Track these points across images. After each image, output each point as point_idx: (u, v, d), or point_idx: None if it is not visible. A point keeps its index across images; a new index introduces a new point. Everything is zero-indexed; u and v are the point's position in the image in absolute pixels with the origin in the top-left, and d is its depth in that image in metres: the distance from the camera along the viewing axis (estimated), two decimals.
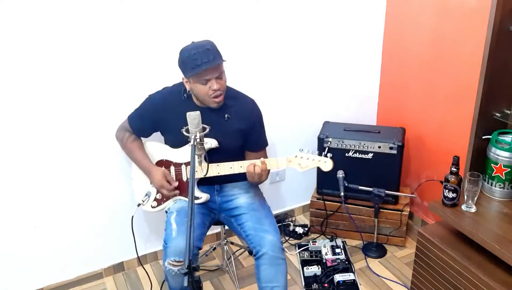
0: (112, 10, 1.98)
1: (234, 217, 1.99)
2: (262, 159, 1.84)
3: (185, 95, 1.93)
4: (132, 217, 1.97)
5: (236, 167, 1.88)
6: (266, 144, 2.08)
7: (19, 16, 1.83)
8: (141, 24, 2.06)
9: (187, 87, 1.87)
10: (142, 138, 2.08)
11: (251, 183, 1.97)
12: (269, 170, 1.89)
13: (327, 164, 1.80)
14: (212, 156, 1.88)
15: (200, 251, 2.55)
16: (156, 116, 1.96)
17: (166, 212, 2.01)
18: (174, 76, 1.94)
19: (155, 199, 2.03)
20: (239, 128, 1.95)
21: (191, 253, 1.33)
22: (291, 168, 1.85)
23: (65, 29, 1.93)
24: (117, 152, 2.21)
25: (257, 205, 1.98)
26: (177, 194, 1.98)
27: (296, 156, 1.83)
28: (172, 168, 1.98)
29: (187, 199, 1.99)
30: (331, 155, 1.80)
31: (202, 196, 1.96)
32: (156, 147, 2.04)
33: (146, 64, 2.13)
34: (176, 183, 1.96)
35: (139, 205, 2.02)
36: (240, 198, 2.01)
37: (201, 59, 1.74)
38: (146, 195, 2.03)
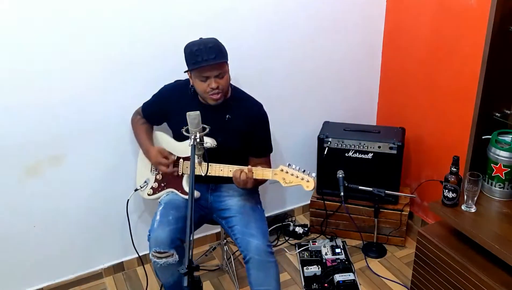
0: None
1: (225, 219, 1.99)
2: (249, 167, 1.84)
3: (191, 89, 1.95)
4: (128, 201, 1.99)
5: (225, 170, 1.88)
6: (270, 151, 2.08)
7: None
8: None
9: (190, 81, 1.90)
10: (154, 126, 2.12)
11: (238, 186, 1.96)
12: (264, 180, 1.87)
13: (309, 184, 1.77)
14: (210, 156, 1.88)
15: (199, 251, 2.59)
16: (164, 106, 2.00)
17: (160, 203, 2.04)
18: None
19: (152, 188, 2.06)
20: (239, 130, 1.95)
21: (191, 253, 1.33)
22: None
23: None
24: (119, 152, 2.21)
25: (248, 209, 1.97)
26: (176, 171, 1.97)
27: (281, 170, 1.81)
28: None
29: (178, 193, 2.00)
30: (315, 175, 1.78)
31: None
32: (161, 137, 2.07)
33: (154, 59, 2.14)
34: (175, 157, 1.96)
35: (136, 190, 2.07)
36: (231, 200, 2.01)
37: (201, 56, 1.76)
38: (145, 181, 2.07)
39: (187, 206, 1.92)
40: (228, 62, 1.88)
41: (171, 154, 1.96)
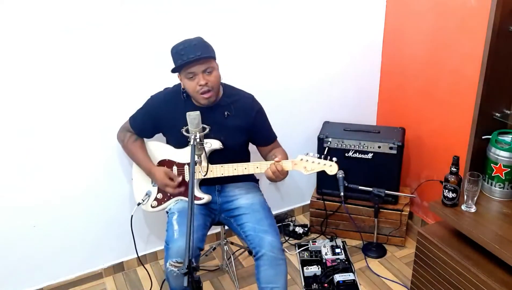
0: (114, 10, 1.98)
1: (234, 218, 1.98)
2: (270, 161, 1.85)
3: (184, 95, 1.93)
4: (132, 216, 1.97)
5: (240, 168, 1.88)
6: (275, 136, 2.08)
7: (20, 17, 1.83)
8: (142, 25, 2.06)
9: (182, 84, 1.89)
10: (144, 138, 2.08)
11: (271, 182, 1.97)
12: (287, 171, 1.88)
13: (332, 168, 1.81)
14: (216, 156, 1.88)
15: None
16: (157, 116, 1.97)
17: (167, 212, 2.01)
18: (175, 76, 1.94)
19: (156, 199, 2.03)
20: (240, 126, 1.95)
21: (191, 253, 1.33)
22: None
23: (66, 29, 1.92)
24: (117, 152, 2.21)
25: (258, 206, 1.97)
26: (182, 191, 1.97)
27: (301, 159, 1.83)
28: (175, 168, 1.98)
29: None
30: (336, 160, 1.81)
31: (204, 197, 1.96)
32: (158, 147, 2.04)
33: (148, 64, 2.13)
34: (180, 179, 1.95)
35: (139, 204, 2.03)
36: (240, 199, 2.01)
37: (186, 54, 1.76)
38: (146, 194, 2.03)
39: (201, 213, 1.94)
40: (222, 61, 1.86)
41: (176, 175, 1.96)
